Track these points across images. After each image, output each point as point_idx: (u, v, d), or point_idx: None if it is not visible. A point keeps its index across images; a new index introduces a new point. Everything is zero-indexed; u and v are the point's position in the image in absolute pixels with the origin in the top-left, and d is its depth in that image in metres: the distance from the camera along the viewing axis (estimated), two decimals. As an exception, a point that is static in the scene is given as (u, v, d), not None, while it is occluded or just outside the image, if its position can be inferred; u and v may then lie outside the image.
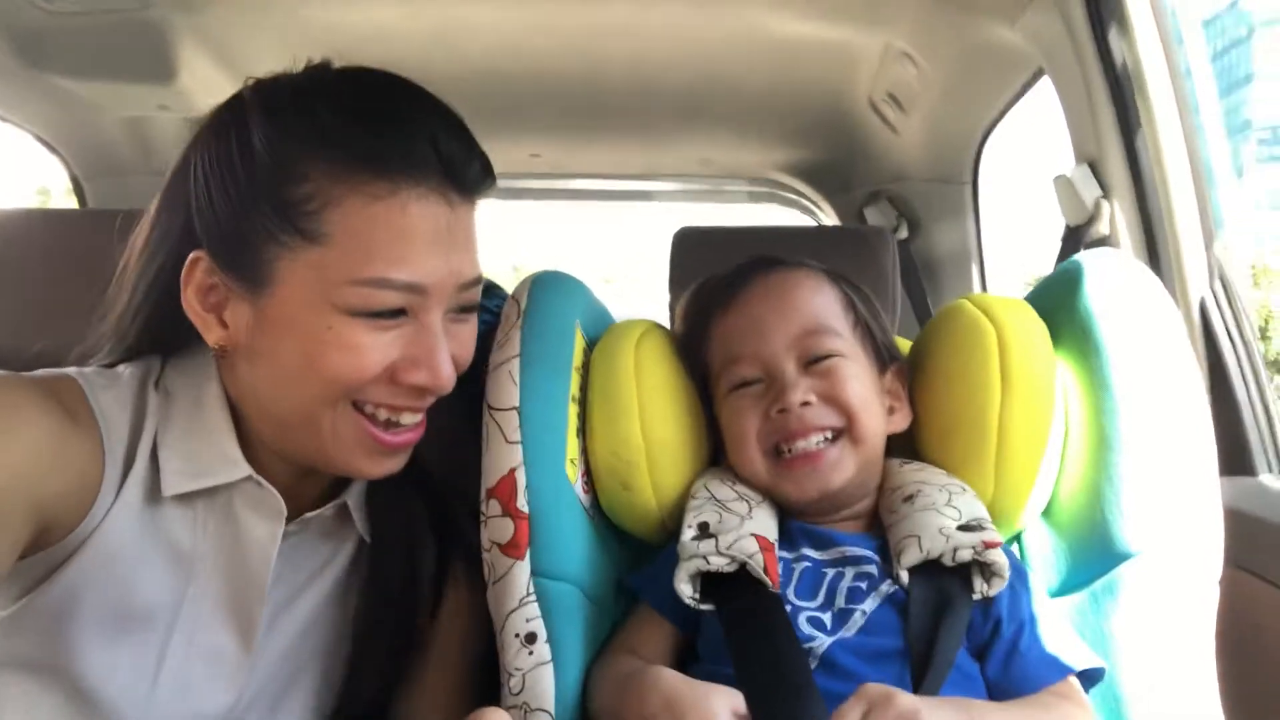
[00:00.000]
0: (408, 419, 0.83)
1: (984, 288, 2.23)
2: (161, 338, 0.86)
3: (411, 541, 0.93)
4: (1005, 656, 0.84)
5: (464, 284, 0.81)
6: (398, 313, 0.78)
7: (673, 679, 0.80)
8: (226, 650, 0.85)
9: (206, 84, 1.85)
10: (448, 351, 0.80)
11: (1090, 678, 0.85)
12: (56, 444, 0.74)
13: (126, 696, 0.79)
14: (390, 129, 0.76)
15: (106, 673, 0.78)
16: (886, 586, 0.87)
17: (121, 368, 0.85)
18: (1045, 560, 0.95)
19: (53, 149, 2.17)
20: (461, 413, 0.94)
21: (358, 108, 0.77)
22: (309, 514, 0.88)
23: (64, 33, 1.69)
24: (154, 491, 0.81)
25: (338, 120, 0.76)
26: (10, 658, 0.76)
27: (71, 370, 0.81)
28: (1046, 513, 0.97)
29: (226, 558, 0.84)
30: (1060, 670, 0.83)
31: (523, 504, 0.90)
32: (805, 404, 0.92)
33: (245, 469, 0.82)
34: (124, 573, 0.78)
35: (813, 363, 0.94)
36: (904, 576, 0.86)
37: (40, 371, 0.80)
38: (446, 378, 0.80)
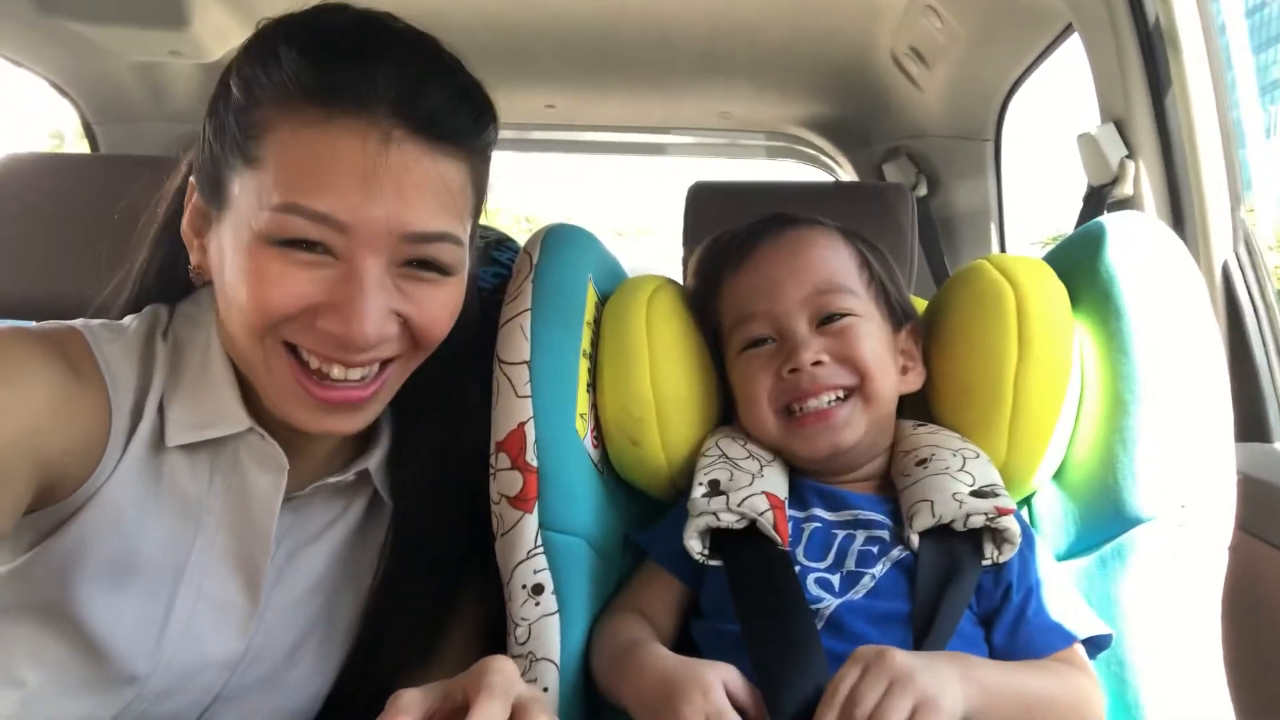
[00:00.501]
0: (338, 373, 0.77)
1: (1003, 247, 2.20)
2: (173, 283, 0.86)
3: (438, 510, 0.93)
4: (1012, 623, 0.84)
5: (409, 235, 0.74)
6: (314, 246, 0.72)
7: (666, 659, 0.80)
8: (234, 601, 0.85)
9: (218, 30, 1.83)
10: (378, 305, 0.74)
11: (1097, 644, 0.84)
12: (61, 400, 0.73)
13: (135, 644, 0.80)
14: (338, 59, 0.73)
15: (114, 621, 0.79)
16: (897, 552, 0.87)
17: (128, 320, 0.84)
18: (1055, 523, 0.95)
19: (65, 94, 2.17)
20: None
21: (317, 41, 0.74)
22: (326, 480, 0.87)
23: (75, -25, 1.67)
24: (162, 444, 0.80)
25: (293, 51, 0.73)
26: (20, 605, 0.77)
27: (77, 323, 0.80)
28: (1058, 476, 0.96)
29: (233, 510, 0.84)
30: (1065, 638, 0.83)
31: (531, 458, 0.90)
32: (817, 363, 0.91)
33: (246, 421, 0.82)
34: (131, 525, 0.78)
35: (825, 321, 0.93)
36: (914, 540, 0.86)
37: (45, 324, 0.79)
38: (364, 333, 0.73)
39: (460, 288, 0.83)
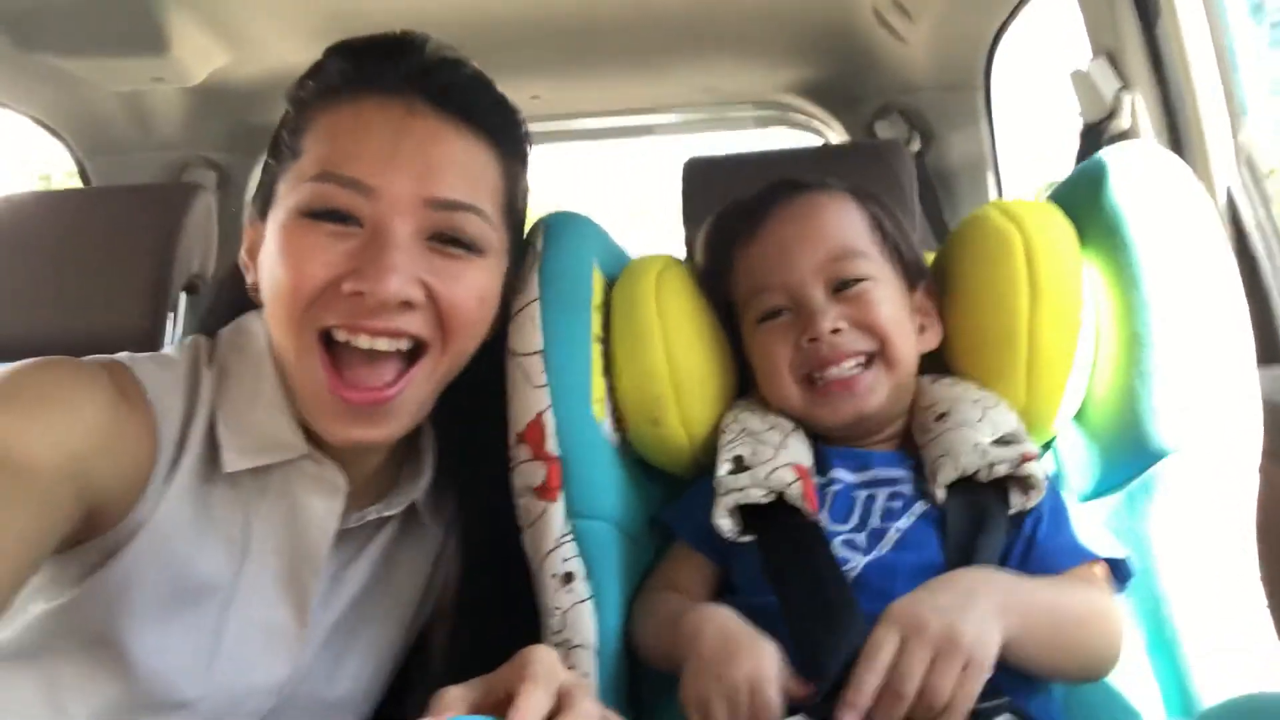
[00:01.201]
0: (363, 341, 0.77)
1: (1000, 195, 2.18)
2: (231, 314, 0.89)
3: (490, 528, 0.94)
4: (1023, 551, 0.84)
5: (433, 200, 0.78)
6: (346, 219, 0.76)
7: (727, 618, 0.80)
8: (282, 625, 0.85)
9: (199, 53, 1.82)
10: (402, 262, 0.76)
11: (1122, 575, 0.84)
12: (109, 426, 0.73)
13: (185, 671, 0.80)
14: (370, 54, 0.82)
15: (164, 650, 0.79)
16: (920, 506, 0.87)
17: (171, 350, 0.85)
18: (1079, 464, 0.95)
19: (53, 131, 2.17)
20: None
21: (354, 45, 0.83)
22: (375, 513, 0.89)
23: (53, 11, 1.67)
24: (209, 471, 0.80)
25: (334, 57, 0.83)
26: (68, 639, 0.77)
27: (123, 356, 0.80)
28: (1079, 416, 0.96)
29: (282, 534, 0.84)
30: (1079, 554, 0.83)
31: (552, 447, 0.91)
32: (836, 331, 0.90)
33: (303, 446, 0.82)
34: (180, 554, 0.78)
35: (841, 288, 0.92)
36: (940, 494, 0.86)
37: (92, 356, 0.79)
38: (387, 287, 0.74)
39: (491, 274, 0.85)
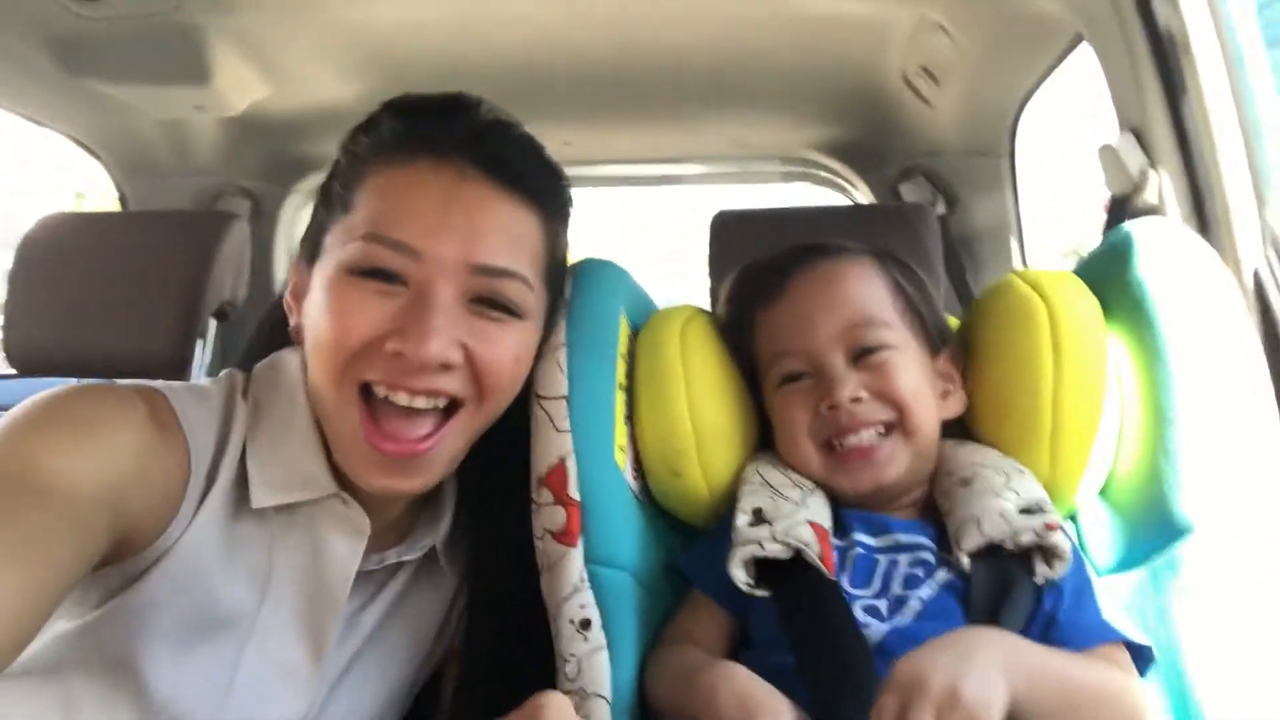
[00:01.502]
0: (403, 399, 0.79)
1: (1024, 262, 2.19)
2: (269, 350, 0.91)
3: (507, 578, 0.95)
4: (1043, 627, 0.83)
5: (478, 266, 0.79)
6: (393, 276, 0.78)
7: (745, 678, 0.79)
8: (298, 663, 0.86)
9: (240, 83, 1.86)
10: (443, 325, 0.77)
11: (1144, 659, 0.83)
12: (145, 455, 0.74)
13: (202, 702, 0.80)
14: (425, 115, 0.84)
15: (181, 680, 0.79)
16: (943, 574, 0.86)
17: (207, 382, 0.87)
18: (1103, 538, 0.94)
19: (93, 153, 2.21)
20: None
21: (409, 105, 0.85)
22: (395, 557, 0.90)
23: (99, 37, 1.71)
24: (236, 504, 0.81)
25: (389, 115, 0.85)
26: (87, 661, 0.77)
27: (160, 384, 0.81)
28: (1103, 490, 0.96)
29: (304, 572, 0.85)
30: (1098, 634, 0.82)
31: (574, 491, 0.91)
32: (855, 400, 0.91)
33: (332, 485, 0.83)
34: (202, 585, 0.79)
35: (861, 355, 0.93)
36: (964, 561, 0.85)
37: (129, 382, 0.80)
38: (428, 350, 0.76)
39: (528, 335, 0.87)
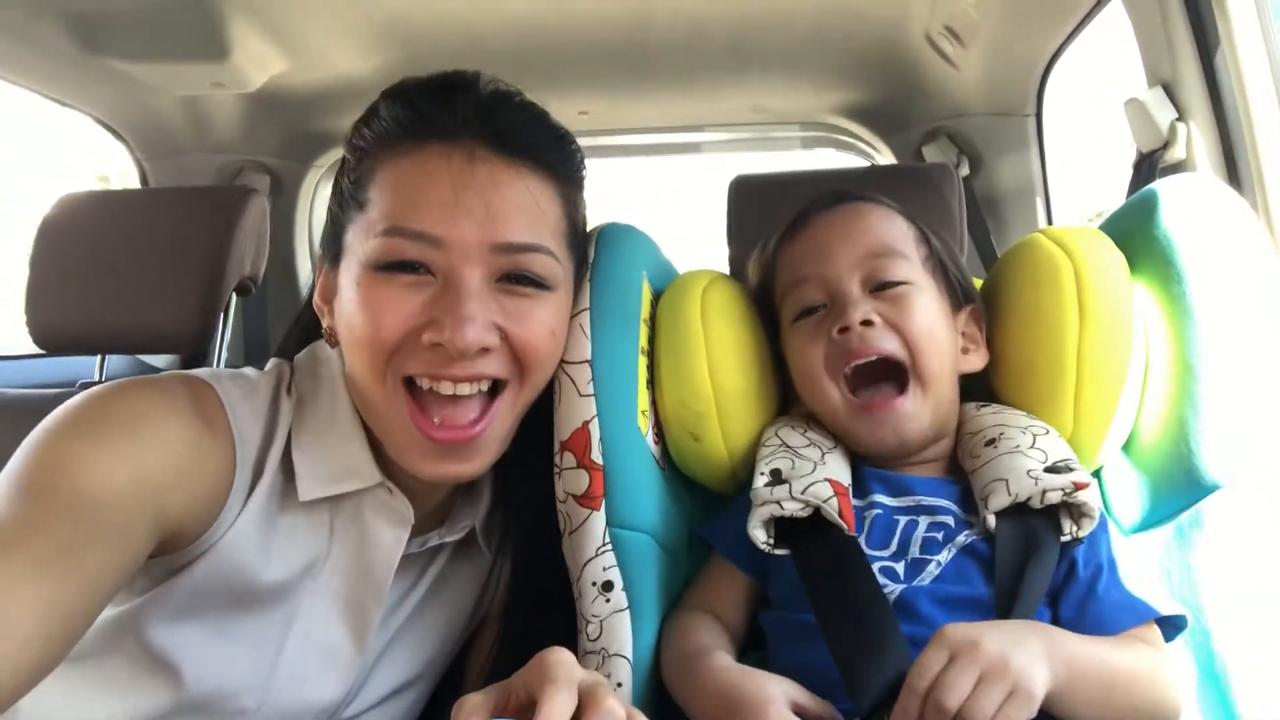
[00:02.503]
0: (447, 389, 0.80)
1: (1050, 223, 2.16)
2: (303, 342, 0.92)
3: (543, 556, 0.95)
4: (1080, 600, 0.83)
5: (500, 245, 0.79)
6: (417, 268, 0.78)
7: (728, 672, 0.80)
8: (340, 648, 0.87)
9: (258, 59, 1.87)
10: (476, 311, 0.77)
11: (1174, 626, 0.82)
12: (191, 456, 0.74)
13: (245, 683, 0.81)
14: (425, 98, 0.82)
15: (225, 661, 0.80)
16: (964, 538, 0.86)
17: (253, 373, 0.86)
18: (1128, 495, 0.93)
19: (113, 131, 2.23)
20: None
21: (407, 90, 0.83)
22: (437, 539, 0.91)
23: (119, 16, 1.72)
24: (281, 497, 0.82)
25: (388, 103, 0.83)
26: (125, 647, 0.78)
27: (205, 374, 0.81)
28: (1128, 447, 0.94)
29: (350, 560, 0.86)
30: (1137, 615, 0.81)
31: (597, 456, 0.91)
32: (867, 322, 0.89)
33: (377, 476, 0.84)
34: (247, 575, 0.80)
35: (880, 288, 0.92)
36: (991, 521, 0.85)
37: (181, 373, 0.80)
38: (465, 338, 0.76)
39: (560, 307, 0.87)
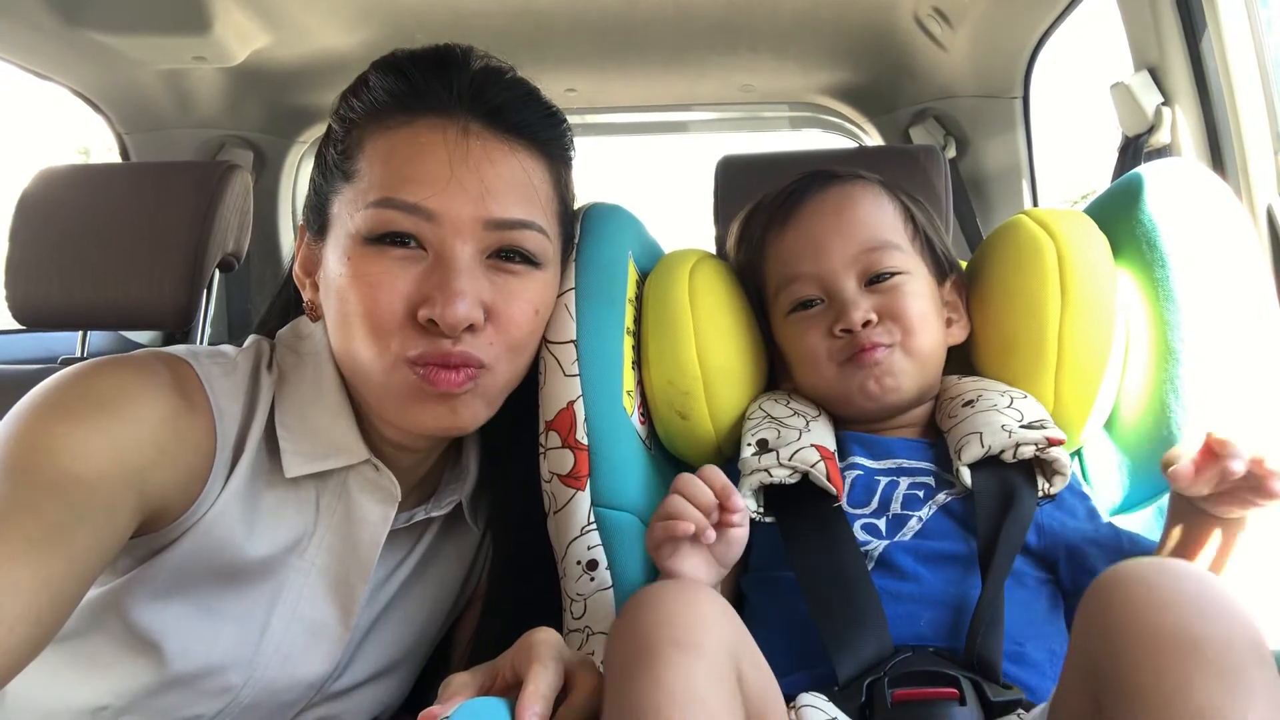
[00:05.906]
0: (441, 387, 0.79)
1: (1035, 205, 2.17)
2: (285, 319, 0.91)
3: (528, 532, 0.95)
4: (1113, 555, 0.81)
5: (493, 221, 0.79)
6: (408, 241, 0.77)
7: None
8: (327, 624, 0.87)
9: (240, 33, 1.84)
10: (468, 288, 0.76)
11: None
12: (171, 434, 0.73)
13: (230, 662, 0.81)
14: (418, 70, 0.81)
15: (210, 641, 0.80)
16: (943, 496, 0.87)
17: (231, 350, 0.85)
18: (1109, 475, 0.94)
19: (95, 106, 2.20)
20: None
21: (399, 61, 0.83)
22: (424, 514, 0.91)
23: (99, -13, 1.69)
24: (266, 474, 0.81)
25: (379, 74, 0.83)
26: (109, 626, 0.78)
27: (183, 352, 0.80)
28: (1110, 428, 0.95)
29: (336, 536, 0.85)
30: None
31: (582, 436, 0.91)
32: (868, 324, 0.91)
33: (364, 452, 0.83)
34: (231, 552, 0.79)
35: (874, 281, 0.93)
36: (965, 473, 0.86)
37: (158, 350, 0.80)
38: (457, 312, 0.75)
39: (547, 285, 0.86)
